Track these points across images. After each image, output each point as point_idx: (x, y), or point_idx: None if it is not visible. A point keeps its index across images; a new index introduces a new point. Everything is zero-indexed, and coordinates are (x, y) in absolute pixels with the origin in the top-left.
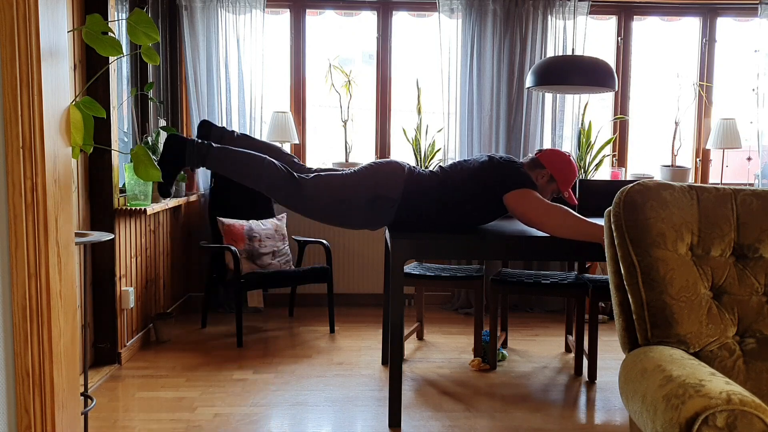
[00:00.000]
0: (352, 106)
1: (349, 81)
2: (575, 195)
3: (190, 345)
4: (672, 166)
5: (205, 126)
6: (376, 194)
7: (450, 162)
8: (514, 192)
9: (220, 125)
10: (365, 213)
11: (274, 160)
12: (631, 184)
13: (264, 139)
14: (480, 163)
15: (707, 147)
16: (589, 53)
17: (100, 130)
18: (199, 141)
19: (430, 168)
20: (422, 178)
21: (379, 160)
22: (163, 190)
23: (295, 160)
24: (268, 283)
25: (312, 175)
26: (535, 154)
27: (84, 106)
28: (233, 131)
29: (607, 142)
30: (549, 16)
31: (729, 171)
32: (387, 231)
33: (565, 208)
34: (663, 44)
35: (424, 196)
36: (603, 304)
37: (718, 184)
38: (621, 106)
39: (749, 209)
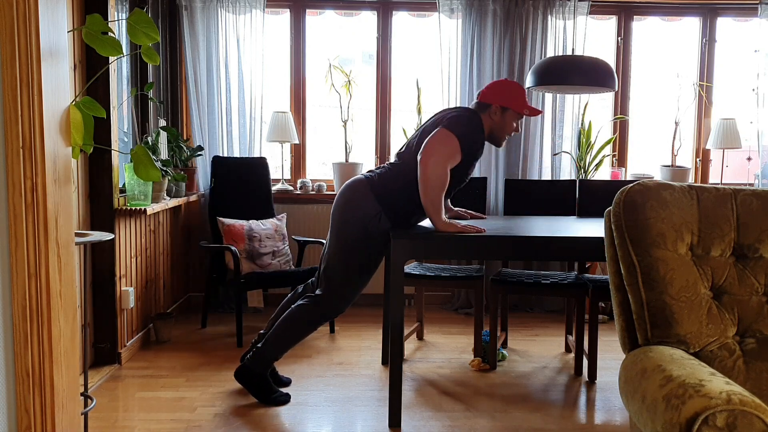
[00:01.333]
0: (352, 106)
1: (349, 81)
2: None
3: (190, 345)
4: (672, 166)
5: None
6: (363, 225)
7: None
8: (442, 130)
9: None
10: (375, 243)
11: (295, 307)
12: (631, 184)
13: (264, 139)
14: (422, 129)
15: (707, 147)
16: (589, 53)
17: (100, 130)
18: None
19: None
20: (384, 177)
21: (341, 191)
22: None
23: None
24: (268, 283)
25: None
26: (476, 99)
27: (84, 106)
28: (262, 334)
29: (607, 142)
30: (549, 16)
31: (729, 171)
32: None
33: (445, 183)
34: (663, 44)
35: (395, 191)
36: (603, 304)
37: (718, 184)
38: (621, 106)
39: (749, 209)
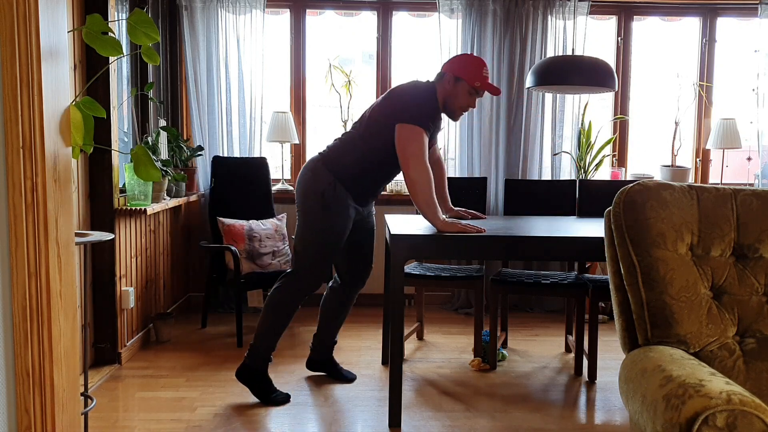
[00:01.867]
0: (352, 106)
1: (349, 81)
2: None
3: (190, 345)
4: (672, 166)
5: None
6: (320, 195)
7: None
8: (403, 125)
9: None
10: (334, 213)
11: (272, 291)
12: (631, 184)
13: (264, 139)
14: (377, 102)
15: (707, 147)
16: (589, 53)
17: (100, 130)
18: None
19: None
20: (335, 149)
21: (300, 172)
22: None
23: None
24: (268, 283)
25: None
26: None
27: (84, 106)
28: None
29: (607, 142)
30: (549, 16)
31: (729, 171)
32: (387, 231)
33: (430, 178)
34: (663, 44)
35: (347, 161)
36: (603, 304)
37: (718, 184)
38: (621, 106)
39: (749, 209)
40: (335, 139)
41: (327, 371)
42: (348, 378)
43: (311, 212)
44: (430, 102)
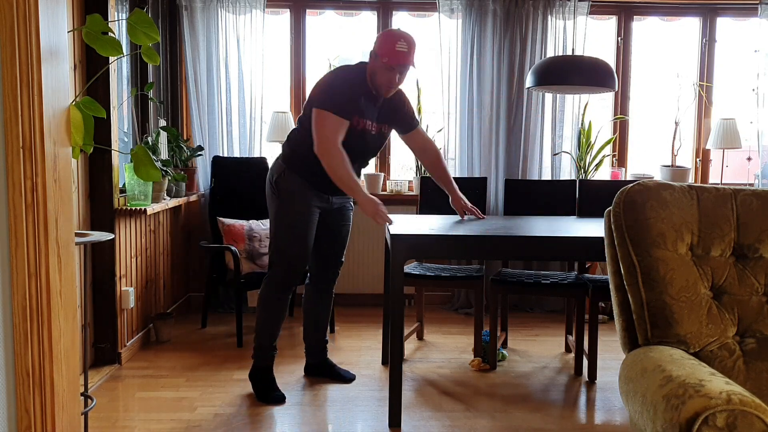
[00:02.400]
0: None
1: None
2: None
3: (190, 345)
4: (672, 166)
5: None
6: (275, 187)
7: None
8: (315, 110)
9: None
10: (290, 202)
11: (260, 291)
12: (631, 184)
13: (264, 139)
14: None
15: (707, 147)
16: (589, 53)
17: (100, 130)
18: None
19: None
20: (288, 141)
21: None
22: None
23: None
24: None
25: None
26: None
27: (84, 106)
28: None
29: (607, 142)
30: (549, 16)
31: (729, 171)
32: (387, 231)
33: (341, 158)
34: (663, 44)
35: (296, 150)
36: (603, 304)
37: (718, 184)
38: (621, 106)
39: (749, 209)
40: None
41: (325, 374)
42: (347, 378)
43: (271, 204)
44: (348, 84)
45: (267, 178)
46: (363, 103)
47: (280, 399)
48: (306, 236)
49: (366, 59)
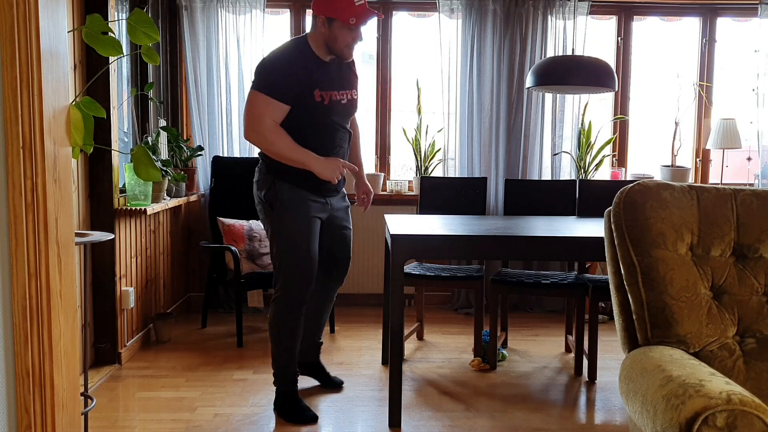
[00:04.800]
0: None
1: None
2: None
3: (190, 345)
4: (672, 166)
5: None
6: (266, 200)
7: None
8: (249, 93)
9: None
10: (283, 213)
11: (269, 310)
12: (631, 184)
13: None
14: None
15: (707, 147)
16: (589, 53)
17: (100, 130)
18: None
19: None
20: None
21: None
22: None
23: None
24: (268, 283)
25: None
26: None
27: (84, 106)
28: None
29: (607, 142)
30: (549, 16)
31: (729, 171)
32: (387, 231)
33: (277, 132)
34: (663, 44)
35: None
36: (603, 304)
37: (718, 184)
38: (621, 106)
39: (749, 209)
40: None
41: (315, 375)
42: (335, 383)
43: (266, 221)
44: (281, 61)
45: (254, 194)
46: (318, 76)
47: (312, 419)
48: (310, 250)
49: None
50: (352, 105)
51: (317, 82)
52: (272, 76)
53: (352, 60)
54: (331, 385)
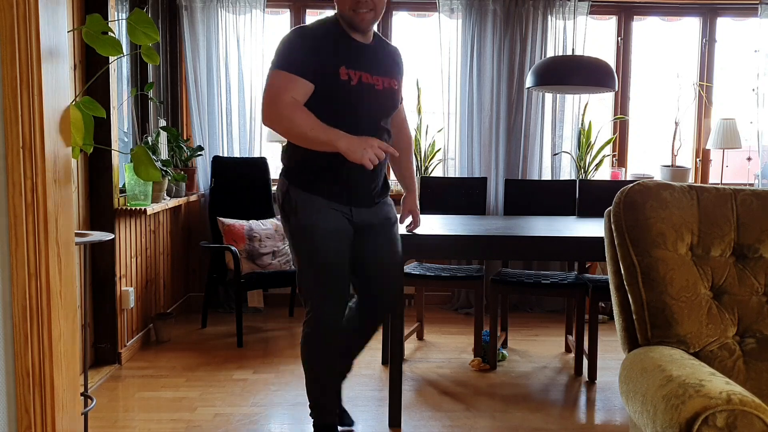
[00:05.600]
0: None
1: None
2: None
3: (190, 345)
4: (672, 166)
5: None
6: (283, 210)
7: None
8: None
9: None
10: (297, 224)
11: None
12: (631, 184)
13: (264, 139)
14: None
15: (707, 147)
16: (589, 53)
17: (100, 130)
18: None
19: None
20: (284, 152)
21: None
22: None
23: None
24: (268, 283)
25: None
26: None
27: (84, 106)
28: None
29: (607, 142)
30: (549, 16)
31: (729, 171)
32: None
33: (297, 109)
34: (663, 44)
35: (294, 158)
36: (603, 304)
37: (718, 184)
38: (621, 106)
39: (749, 209)
40: None
41: None
42: (346, 422)
43: (285, 232)
44: (302, 33)
45: (276, 199)
46: (345, 52)
47: None
48: (331, 270)
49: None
50: (390, 95)
51: (344, 58)
52: (291, 51)
53: (397, 50)
54: (342, 423)
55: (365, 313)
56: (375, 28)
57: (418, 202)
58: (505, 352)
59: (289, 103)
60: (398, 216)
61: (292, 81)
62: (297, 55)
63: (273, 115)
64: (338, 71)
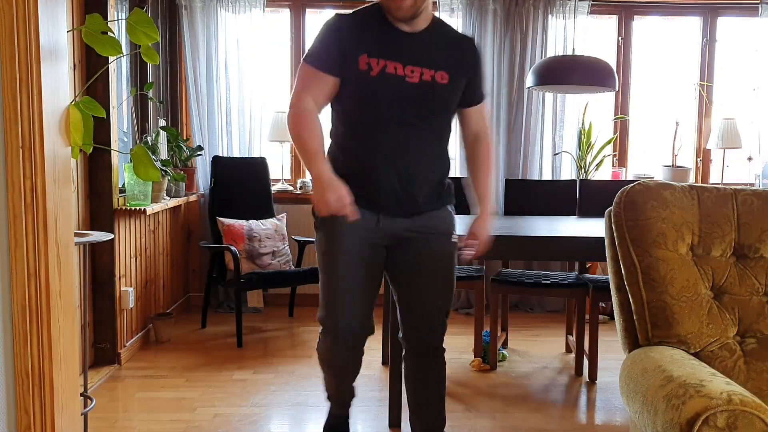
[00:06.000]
0: None
1: None
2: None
3: (190, 345)
4: (673, 166)
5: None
6: (312, 213)
7: None
8: None
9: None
10: (324, 230)
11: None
12: (632, 184)
13: (264, 139)
14: None
15: (708, 147)
16: (589, 53)
17: (100, 130)
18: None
19: None
20: None
21: None
22: None
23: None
24: (268, 283)
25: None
26: None
27: (84, 106)
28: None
29: (608, 142)
30: (549, 16)
31: (730, 171)
32: None
33: (309, 112)
34: (663, 44)
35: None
36: (603, 305)
37: (719, 184)
38: (621, 106)
39: (750, 209)
40: None
41: None
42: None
43: (319, 240)
44: (332, 24)
45: None
46: (373, 38)
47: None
48: (346, 280)
49: None
50: (429, 90)
51: (367, 46)
52: (320, 40)
53: (466, 40)
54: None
55: (406, 339)
56: (426, 17)
57: (490, 227)
58: (505, 352)
59: (303, 112)
60: (455, 232)
61: (315, 78)
62: (324, 45)
63: (288, 119)
64: (357, 60)
